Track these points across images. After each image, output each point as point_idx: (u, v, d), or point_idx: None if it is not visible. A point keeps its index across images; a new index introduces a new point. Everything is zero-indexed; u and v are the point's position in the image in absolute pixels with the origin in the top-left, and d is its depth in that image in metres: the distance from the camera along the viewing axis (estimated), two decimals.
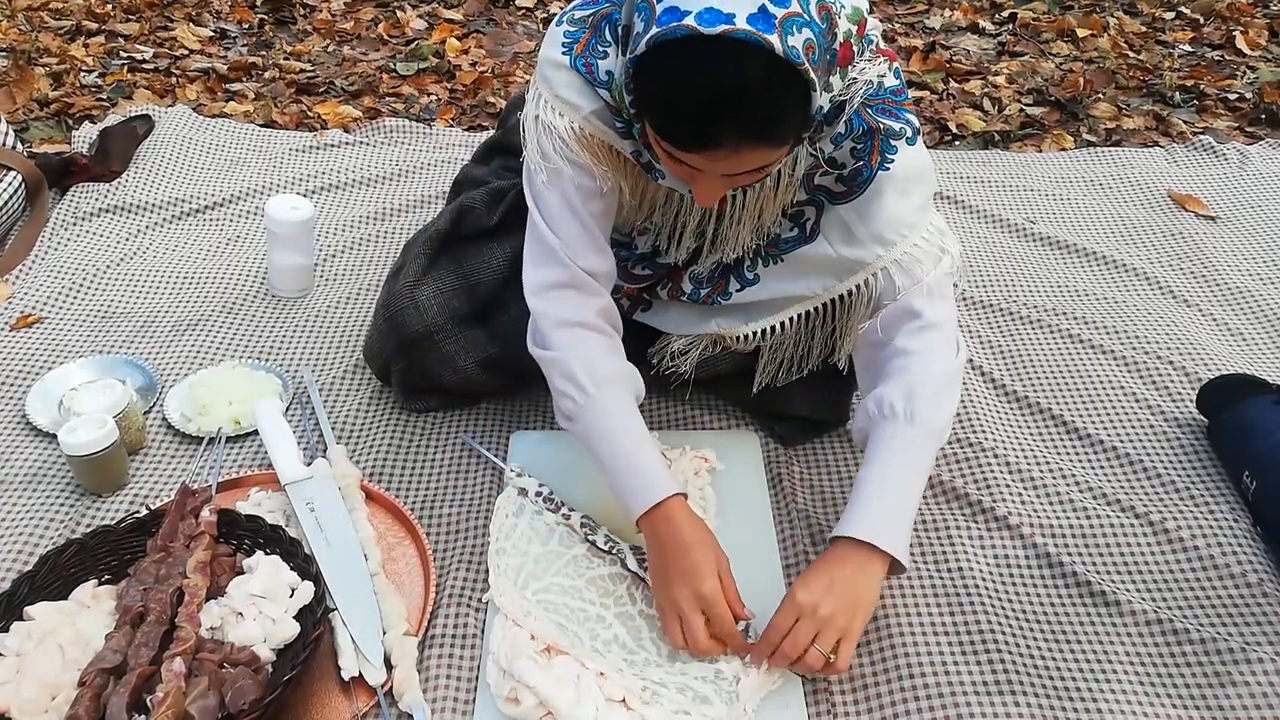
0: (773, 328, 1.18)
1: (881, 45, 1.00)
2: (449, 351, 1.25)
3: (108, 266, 1.63)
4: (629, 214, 1.16)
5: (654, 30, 0.82)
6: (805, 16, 0.81)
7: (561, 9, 1.03)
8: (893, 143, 1.01)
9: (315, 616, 0.98)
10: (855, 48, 0.91)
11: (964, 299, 1.63)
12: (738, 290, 1.17)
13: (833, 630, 0.95)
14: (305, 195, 1.82)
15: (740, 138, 0.84)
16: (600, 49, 0.99)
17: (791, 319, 1.16)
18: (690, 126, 0.84)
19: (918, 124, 1.04)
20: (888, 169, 1.01)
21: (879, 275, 1.06)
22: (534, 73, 1.05)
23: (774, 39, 0.79)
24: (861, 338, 1.11)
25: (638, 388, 1.11)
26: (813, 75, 0.82)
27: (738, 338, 1.20)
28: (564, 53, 1.00)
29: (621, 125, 1.01)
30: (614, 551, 1.10)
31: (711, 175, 0.91)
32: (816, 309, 1.14)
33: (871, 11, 0.96)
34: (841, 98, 0.97)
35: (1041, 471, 1.28)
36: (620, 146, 1.04)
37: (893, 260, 1.05)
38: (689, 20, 0.79)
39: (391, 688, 0.97)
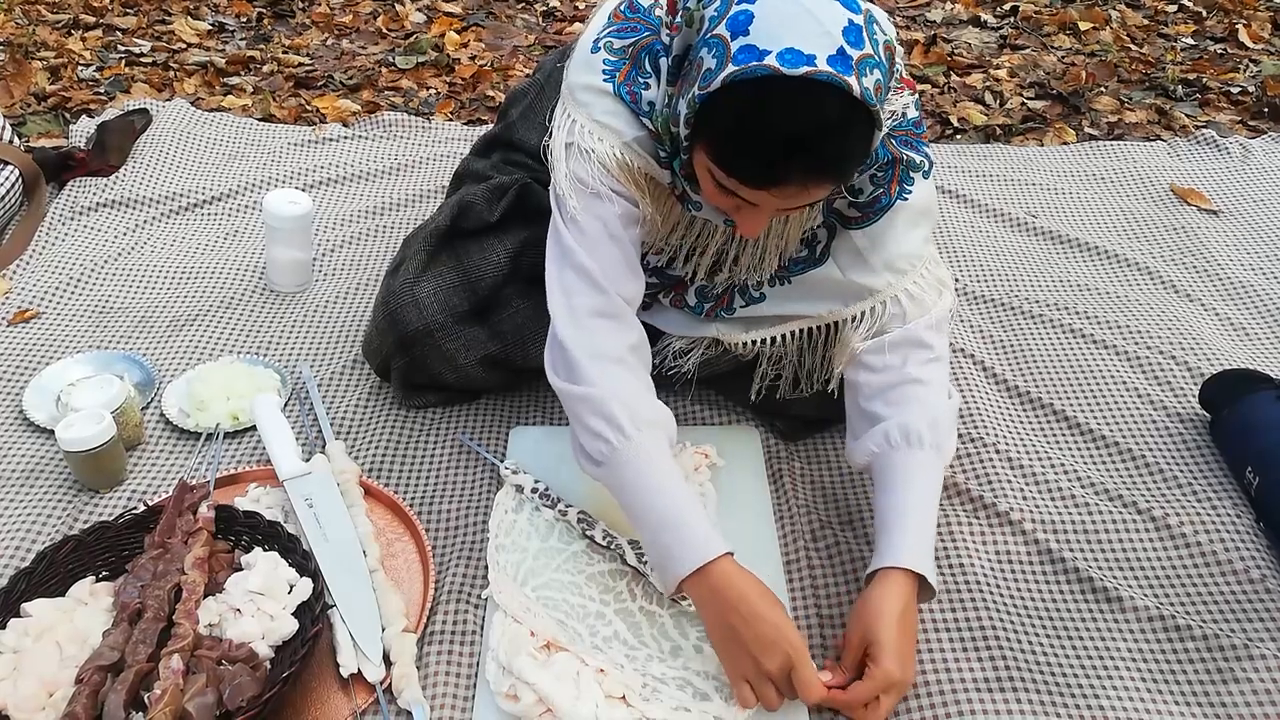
0: (773, 338, 1.19)
1: (903, 74, 1.01)
2: (449, 350, 1.25)
3: (105, 261, 1.62)
4: (650, 235, 1.15)
5: (731, 68, 0.82)
6: (876, 58, 0.83)
7: (593, 35, 1.02)
8: (912, 174, 1.03)
9: (314, 613, 0.98)
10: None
11: (965, 293, 1.63)
12: (742, 306, 1.18)
13: (903, 690, 0.95)
14: (304, 190, 1.81)
15: (809, 176, 0.85)
16: (642, 80, 0.98)
17: (793, 333, 1.17)
18: (763, 165, 0.85)
19: (933, 158, 1.06)
20: (906, 199, 1.04)
21: (888, 302, 1.08)
22: (562, 99, 1.04)
23: (853, 81, 0.80)
24: (863, 362, 1.10)
25: (673, 433, 1.03)
26: (880, 114, 0.85)
27: (736, 345, 1.20)
28: (605, 80, 0.99)
29: (664, 154, 1.01)
30: (612, 547, 1.10)
31: (764, 209, 0.91)
32: (819, 327, 1.15)
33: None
34: None
35: (1043, 467, 1.28)
36: (658, 175, 1.04)
37: (903, 289, 1.07)
38: (770, 60, 0.80)
39: (390, 685, 0.97)
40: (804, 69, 0.79)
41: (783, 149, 0.83)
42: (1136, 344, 1.51)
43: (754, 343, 1.19)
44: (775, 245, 1.11)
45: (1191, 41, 2.69)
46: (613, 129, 1.00)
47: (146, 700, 0.88)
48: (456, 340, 1.25)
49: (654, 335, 1.28)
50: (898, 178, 1.03)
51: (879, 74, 0.83)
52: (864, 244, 1.07)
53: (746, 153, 0.85)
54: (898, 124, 1.01)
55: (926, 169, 1.04)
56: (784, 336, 1.18)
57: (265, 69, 2.41)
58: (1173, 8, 2.89)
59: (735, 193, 0.90)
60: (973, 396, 1.38)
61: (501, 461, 1.23)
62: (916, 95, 1.04)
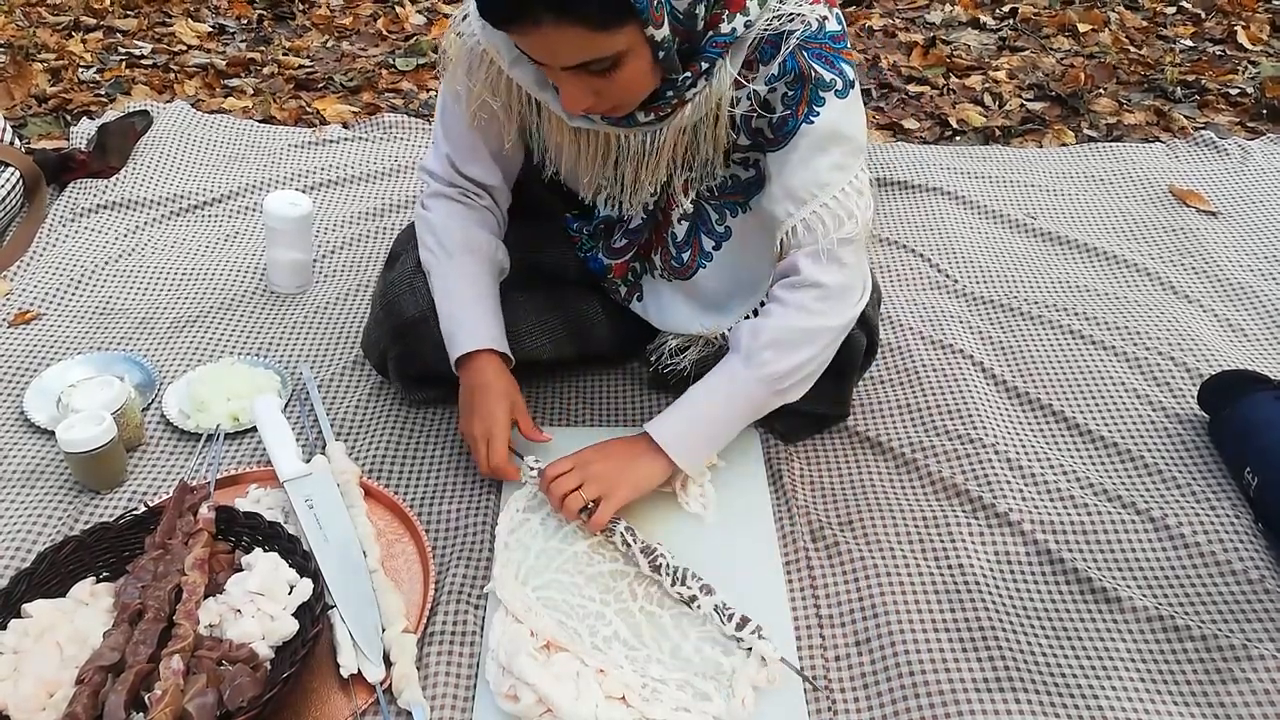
0: (748, 316, 1.18)
1: None
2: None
3: (106, 263, 1.63)
4: (571, 168, 1.15)
5: None
6: None
7: None
8: (821, 94, 0.98)
9: (314, 614, 0.98)
10: None
11: (964, 294, 1.63)
12: (714, 248, 1.17)
13: (595, 485, 1.07)
14: (304, 191, 1.82)
15: (545, 11, 0.84)
16: None
17: (763, 302, 1.15)
18: None
19: (852, 76, 1.00)
20: (813, 122, 0.99)
21: (788, 235, 1.05)
22: None
23: None
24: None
25: (500, 260, 1.21)
26: None
27: (723, 335, 1.20)
28: None
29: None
30: (627, 545, 1.09)
31: (559, 75, 0.92)
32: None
33: None
34: (770, 31, 0.96)
35: (1042, 467, 1.28)
36: (544, 87, 1.03)
37: (801, 219, 1.03)
38: None
39: (390, 685, 0.97)
40: None
41: None
42: (1135, 345, 1.51)
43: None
44: (664, 157, 1.06)
45: (1190, 43, 2.70)
46: (496, 57, 1.03)
47: (147, 701, 0.88)
48: None
49: (653, 333, 1.29)
50: (806, 97, 0.97)
51: None
52: (773, 170, 1.03)
53: None
54: (811, 35, 0.96)
55: (841, 89, 0.98)
56: (756, 312, 1.17)
57: (265, 71, 2.42)
58: (1171, 10, 2.90)
59: (525, 54, 0.92)
60: (971, 396, 1.38)
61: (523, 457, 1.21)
62: (838, 10, 0.99)
